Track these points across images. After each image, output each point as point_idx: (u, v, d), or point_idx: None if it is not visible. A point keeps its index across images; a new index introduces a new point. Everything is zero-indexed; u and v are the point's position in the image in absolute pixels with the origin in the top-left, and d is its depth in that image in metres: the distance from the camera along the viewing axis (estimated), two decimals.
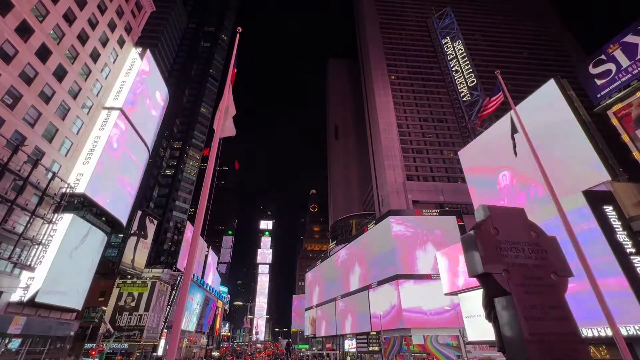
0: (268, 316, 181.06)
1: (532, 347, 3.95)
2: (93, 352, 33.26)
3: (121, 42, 40.95)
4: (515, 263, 4.53)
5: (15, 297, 26.78)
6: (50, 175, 29.38)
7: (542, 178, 10.71)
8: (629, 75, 23.61)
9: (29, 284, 27.60)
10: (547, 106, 28.13)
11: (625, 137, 23.35)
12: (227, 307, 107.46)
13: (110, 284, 44.47)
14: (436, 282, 42.66)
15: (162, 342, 47.70)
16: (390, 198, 71.98)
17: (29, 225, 27.00)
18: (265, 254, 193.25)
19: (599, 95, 25.43)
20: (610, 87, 24.67)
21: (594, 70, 26.14)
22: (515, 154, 13.35)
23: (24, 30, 27.15)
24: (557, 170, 25.52)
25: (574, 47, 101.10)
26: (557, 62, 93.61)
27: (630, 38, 24.19)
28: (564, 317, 4.25)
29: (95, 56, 36.17)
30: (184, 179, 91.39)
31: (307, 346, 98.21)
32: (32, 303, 27.60)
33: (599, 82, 25.54)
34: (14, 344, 26.67)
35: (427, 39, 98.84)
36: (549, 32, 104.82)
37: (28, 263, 27.15)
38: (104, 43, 37.68)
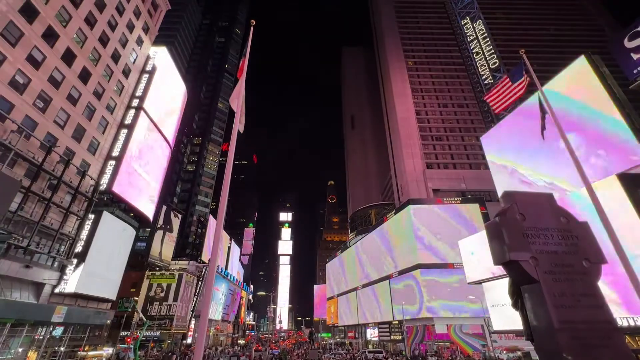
0: (290, 306, 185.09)
1: (561, 336, 3.82)
2: (128, 340, 35.33)
3: (140, 42, 41.99)
4: (544, 250, 4.36)
5: (56, 288, 28.73)
6: (80, 174, 30.92)
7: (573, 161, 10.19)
8: None
9: (68, 276, 29.49)
10: (577, 85, 26.50)
11: None
12: (250, 297, 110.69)
13: (141, 275, 46.78)
14: (459, 270, 41.99)
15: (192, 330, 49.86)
16: (409, 187, 70.89)
17: (64, 222, 28.69)
18: (285, 245, 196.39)
19: (635, 71, 23.69)
20: None
21: (629, 44, 24.29)
22: (543, 136, 12.60)
23: (50, 36, 28.34)
24: (588, 152, 24.19)
25: (607, 20, 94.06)
26: (588, 38, 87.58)
27: None
28: (597, 305, 4.07)
29: (116, 57, 37.33)
30: (204, 173, 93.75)
31: (329, 335, 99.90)
32: (71, 294, 29.54)
33: (635, 56, 23.75)
34: (57, 331, 28.75)
35: (445, 21, 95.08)
36: (578, 5, 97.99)
37: (65, 257, 28.99)
38: (124, 44, 38.77)
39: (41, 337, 26.96)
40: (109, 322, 35.21)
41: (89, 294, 31.41)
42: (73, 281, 29.45)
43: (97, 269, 32.07)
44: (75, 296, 30.43)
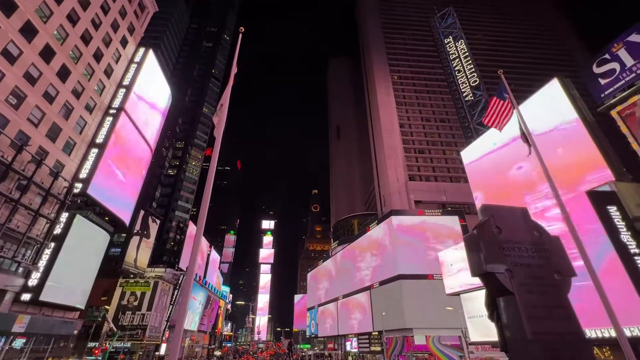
0: (270, 316, 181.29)
1: (534, 347, 3.94)
2: (96, 351, 33.50)
3: (124, 43, 41.13)
4: (518, 263, 4.52)
5: (19, 295, 26.96)
6: (53, 174, 29.55)
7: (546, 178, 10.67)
8: (633, 75, 23.46)
9: (33, 283, 27.79)
10: (550, 106, 28.00)
11: (630, 138, 23.18)
12: (229, 306, 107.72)
13: (113, 283, 44.69)
14: (438, 282, 42.60)
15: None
16: (392, 198, 71.89)
17: (32, 225, 27.18)
18: (267, 253, 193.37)
19: (602, 95, 25.28)
20: (614, 87, 24.51)
21: (597, 70, 25.98)
22: (530, 152, 12.99)
23: (28, 31, 27.32)
24: (560, 170, 25.40)
25: (578, 46, 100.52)
26: (561, 62, 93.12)
27: (634, 37, 24.03)
28: (567, 316, 4.24)
29: (98, 56, 36.36)
30: (186, 178, 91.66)
31: (309, 346, 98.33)
32: (36, 302, 27.80)
33: (602, 81, 25.39)
34: (18, 342, 26.86)
35: (430, 39, 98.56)
36: (553, 32, 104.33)
37: (32, 262, 27.34)
38: (107, 43, 37.86)
39: None
40: (75, 332, 33.26)
41: (56, 302, 29.67)
42: (38, 288, 27.76)
43: (66, 275, 30.42)
44: (40, 304, 28.66)
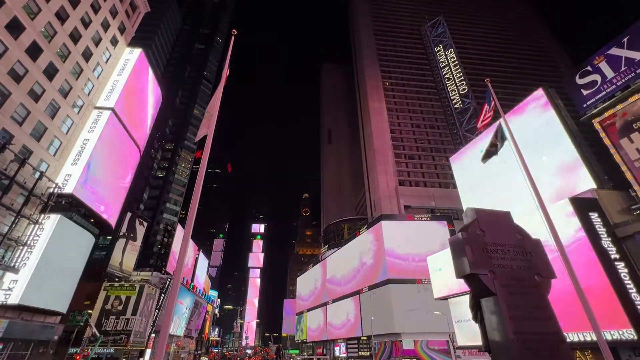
0: (258, 320, 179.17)
1: (515, 347, 4.05)
2: (77, 357, 32.47)
3: (114, 42, 40.60)
4: (501, 264, 4.65)
5: None
6: (37, 174, 28.79)
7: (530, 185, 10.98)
8: (614, 87, 24.36)
9: (12, 286, 26.85)
10: (535, 114, 28.79)
11: (610, 147, 23.98)
12: (216, 311, 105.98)
13: (97, 286, 43.51)
14: (427, 286, 42.96)
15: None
16: (382, 203, 72.36)
17: (14, 226, 26.33)
18: (256, 257, 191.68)
19: (585, 105, 26.13)
20: (596, 98, 25.38)
21: (580, 81, 26.87)
22: (484, 162, 13.35)
23: (15, 28, 26.75)
24: (544, 177, 26.06)
25: (563, 57, 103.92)
26: (546, 72, 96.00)
27: (615, 50, 24.99)
28: (547, 317, 4.37)
29: (87, 55, 35.78)
30: (175, 180, 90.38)
31: (297, 351, 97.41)
32: (15, 305, 26.84)
33: (585, 92, 26.26)
34: None
35: (420, 47, 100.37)
36: (539, 43, 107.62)
37: (12, 264, 26.43)
38: (97, 42, 37.31)
39: None
40: (56, 337, 32.20)
41: (36, 305, 28.70)
42: (18, 292, 26.83)
43: (47, 278, 29.49)
44: (19, 308, 27.69)
